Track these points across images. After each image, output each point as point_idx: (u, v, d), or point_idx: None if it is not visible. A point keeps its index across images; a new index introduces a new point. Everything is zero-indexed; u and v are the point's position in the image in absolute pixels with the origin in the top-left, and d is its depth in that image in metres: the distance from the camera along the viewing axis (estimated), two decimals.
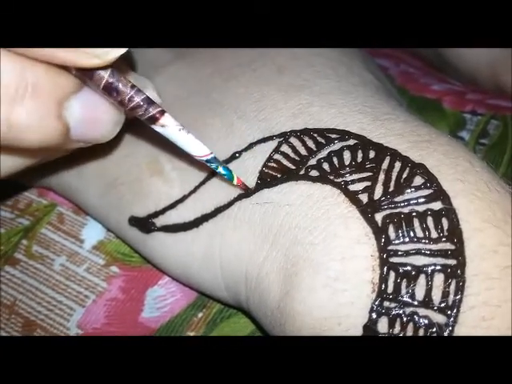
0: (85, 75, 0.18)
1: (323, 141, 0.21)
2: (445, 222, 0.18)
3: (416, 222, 0.18)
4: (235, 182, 0.21)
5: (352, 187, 0.19)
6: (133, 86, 0.19)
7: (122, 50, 0.17)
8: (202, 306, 0.25)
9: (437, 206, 0.18)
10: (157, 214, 0.23)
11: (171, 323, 0.24)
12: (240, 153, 0.22)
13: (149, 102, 0.19)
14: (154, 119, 0.19)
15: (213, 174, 0.22)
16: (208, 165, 0.20)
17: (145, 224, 0.23)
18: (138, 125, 0.25)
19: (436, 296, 0.17)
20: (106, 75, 0.18)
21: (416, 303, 0.17)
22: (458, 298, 0.17)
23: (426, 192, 0.19)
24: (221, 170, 0.20)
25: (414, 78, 0.40)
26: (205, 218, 0.22)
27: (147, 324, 0.24)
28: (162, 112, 0.19)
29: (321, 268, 0.18)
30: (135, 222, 0.23)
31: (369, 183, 0.19)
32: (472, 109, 0.35)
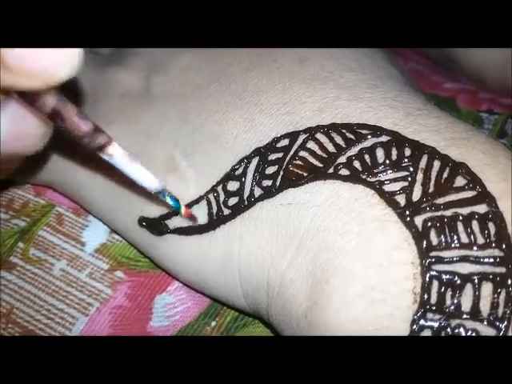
0: (26, 100, 0.16)
1: (353, 137, 0.19)
2: (491, 227, 0.17)
3: (460, 227, 0.17)
4: (183, 213, 0.20)
5: (387, 187, 0.18)
6: (79, 114, 0.17)
7: (69, 73, 0.15)
8: (214, 314, 0.23)
9: (482, 208, 0.17)
10: (170, 215, 0.21)
11: (182, 333, 0.23)
12: (262, 149, 0.20)
13: (96, 130, 0.17)
14: (101, 148, 0.18)
15: (230, 174, 0.20)
16: (157, 196, 0.19)
17: (157, 225, 0.21)
18: (153, 117, 0.23)
19: (484, 307, 0.16)
20: (50, 101, 0.16)
21: (463, 315, 0.16)
22: (508, 309, 0.16)
23: (470, 194, 0.17)
24: (169, 201, 0.20)
25: (424, 75, 0.39)
26: (222, 220, 0.20)
27: (156, 334, 0.23)
28: (110, 141, 0.18)
29: (355, 276, 0.17)
30: (146, 223, 0.21)
31: (406, 183, 0.18)
32: (488, 108, 0.34)
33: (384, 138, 0.19)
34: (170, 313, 0.23)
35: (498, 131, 0.32)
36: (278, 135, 0.20)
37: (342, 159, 0.19)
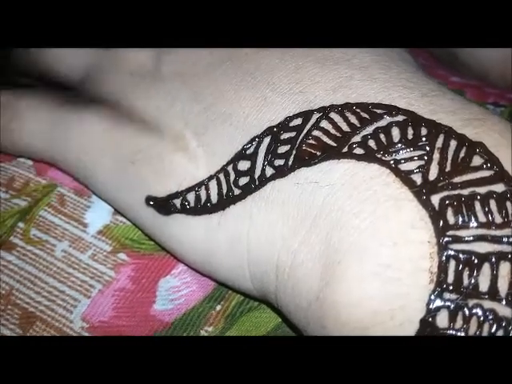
0: None
1: (367, 116, 0.19)
2: (509, 206, 0.16)
3: (478, 206, 0.16)
4: None
5: (403, 166, 0.17)
6: None
7: None
8: (219, 298, 0.23)
9: (499, 188, 0.17)
10: (178, 195, 0.21)
11: (187, 316, 0.22)
12: (275, 128, 0.20)
13: None
14: None
15: (241, 153, 0.20)
16: None
17: (164, 205, 0.21)
18: (163, 95, 0.22)
19: (502, 287, 0.15)
20: None
21: (480, 295, 0.16)
22: None
23: (487, 173, 0.17)
24: None
25: (430, 70, 0.39)
26: (232, 199, 0.20)
27: (160, 317, 0.22)
28: None
29: (370, 254, 0.17)
30: (153, 201, 0.21)
31: (422, 162, 0.17)
32: (494, 100, 0.34)
33: (400, 118, 0.18)
34: (175, 296, 0.23)
35: None
36: (291, 114, 0.20)
37: (357, 138, 0.19)
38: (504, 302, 0.15)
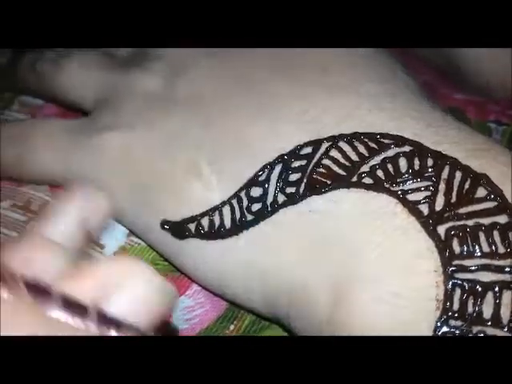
0: None
1: (375, 146, 0.20)
2: None
3: (482, 236, 0.17)
4: None
5: (411, 197, 0.18)
6: None
7: None
8: (232, 317, 0.24)
9: (503, 219, 0.17)
10: (193, 219, 0.21)
11: None
12: (286, 156, 0.20)
13: None
14: None
15: (254, 180, 0.21)
16: None
17: (179, 229, 0.21)
18: (176, 121, 0.23)
19: (504, 315, 0.16)
20: None
21: (484, 322, 0.16)
22: None
23: (491, 204, 0.18)
24: None
25: (433, 87, 0.40)
26: (245, 225, 0.21)
27: None
28: None
29: (378, 284, 0.17)
30: (168, 225, 0.22)
31: (429, 193, 0.18)
32: (496, 118, 0.35)
33: (407, 148, 0.19)
34: (189, 316, 0.23)
35: (506, 142, 0.33)
36: (301, 143, 0.20)
37: (365, 168, 0.19)
38: (506, 329, 0.16)
